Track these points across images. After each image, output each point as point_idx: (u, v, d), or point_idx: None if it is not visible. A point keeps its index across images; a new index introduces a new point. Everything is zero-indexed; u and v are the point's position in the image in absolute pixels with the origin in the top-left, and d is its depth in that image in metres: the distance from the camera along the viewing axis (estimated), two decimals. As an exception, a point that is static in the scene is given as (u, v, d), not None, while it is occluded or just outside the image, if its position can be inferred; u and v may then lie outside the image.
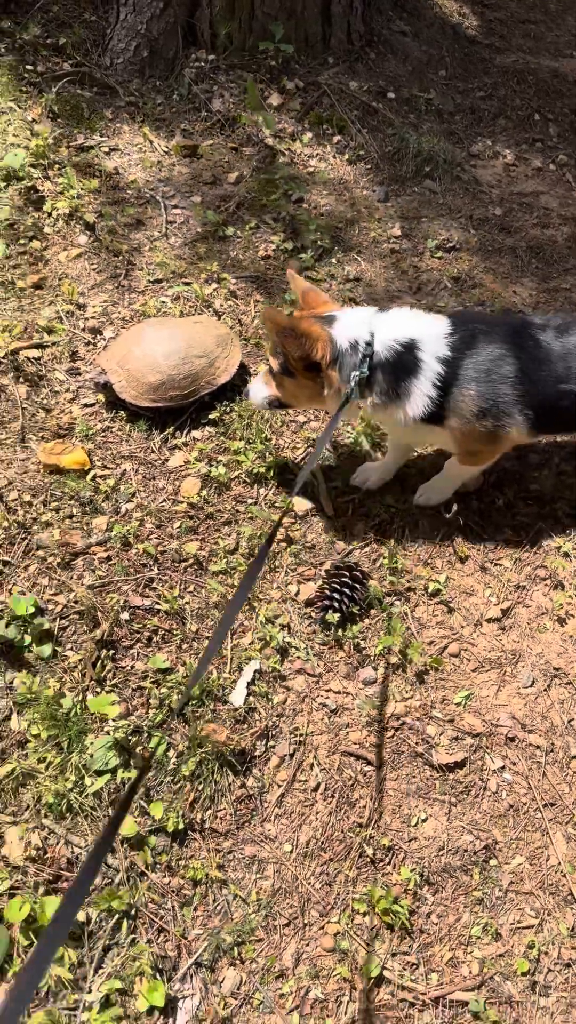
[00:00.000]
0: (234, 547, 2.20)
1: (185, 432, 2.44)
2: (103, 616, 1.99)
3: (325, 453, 2.47)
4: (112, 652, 1.96)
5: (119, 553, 2.13)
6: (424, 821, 1.84)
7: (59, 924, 1.01)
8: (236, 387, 2.50)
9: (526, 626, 2.17)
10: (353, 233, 3.21)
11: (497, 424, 2.04)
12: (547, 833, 1.85)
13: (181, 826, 1.74)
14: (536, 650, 2.13)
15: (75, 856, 1.69)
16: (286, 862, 1.76)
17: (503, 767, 1.93)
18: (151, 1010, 1.55)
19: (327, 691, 2.00)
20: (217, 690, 1.93)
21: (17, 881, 1.64)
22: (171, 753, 1.83)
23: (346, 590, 2.07)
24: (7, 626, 1.90)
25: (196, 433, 2.44)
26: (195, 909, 1.68)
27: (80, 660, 1.93)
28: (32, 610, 1.94)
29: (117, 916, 1.64)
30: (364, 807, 1.84)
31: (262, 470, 2.36)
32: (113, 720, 1.83)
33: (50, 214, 2.97)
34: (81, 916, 1.62)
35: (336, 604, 2.06)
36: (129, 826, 1.71)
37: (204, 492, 2.29)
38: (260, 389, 2.19)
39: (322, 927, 1.69)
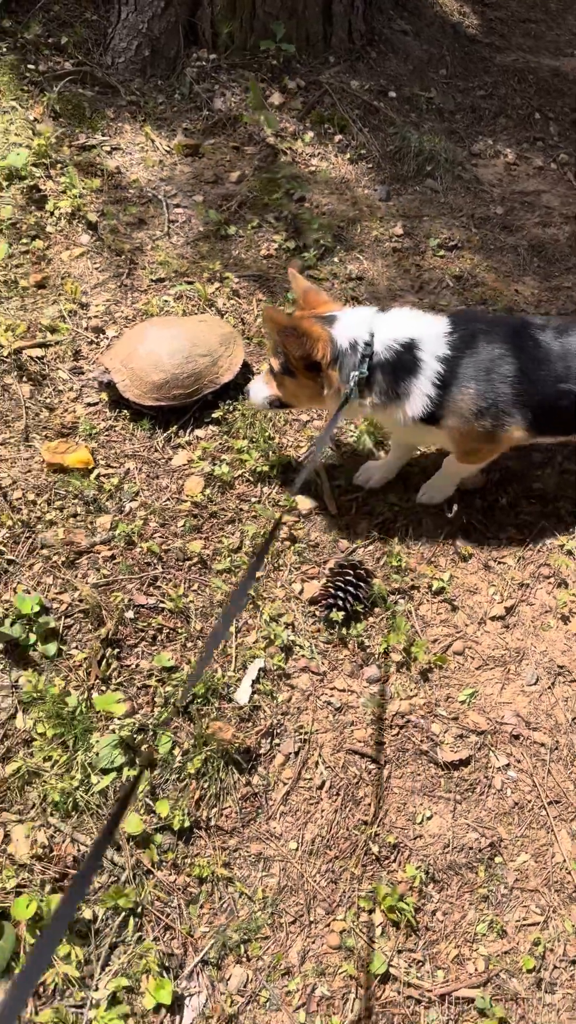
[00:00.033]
0: (238, 546, 2.20)
1: (188, 431, 2.44)
2: (108, 615, 1.99)
3: (328, 452, 2.47)
4: (117, 650, 1.96)
5: (123, 552, 2.13)
6: (429, 819, 1.84)
7: (57, 922, 1.01)
8: (239, 386, 2.50)
9: (530, 624, 2.18)
10: (355, 232, 3.21)
11: (496, 423, 2.05)
12: (552, 830, 1.85)
13: (187, 824, 1.74)
14: (540, 648, 2.13)
15: (81, 854, 1.69)
16: (292, 860, 1.76)
17: (508, 765, 1.93)
18: (158, 1007, 1.55)
19: (332, 689, 2.00)
20: (222, 688, 1.93)
21: (23, 879, 1.64)
22: (177, 751, 1.83)
23: (350, 588, 2.07)
24: (12, 624, 1.91)
25: (199, 432, 2.44)
26: (201, 907, 1.68)
27: (85, 658, 1.93)
28: (37, 609, 1.94)
29: (124, 914, 1.64)
30: (369, 805, 1.85)
31: (265, 469, 2.36)
32: (119, 718, 1.83)
33: (52, 213, 2.97)
34: (88, 914, 1.62)
35: (340, 602, 2.06)
36: (135, 824, 1.71)
37: (208, 491, 2.29)
38: (261, 389, 2.20)
39: (328, 924, 1.69)
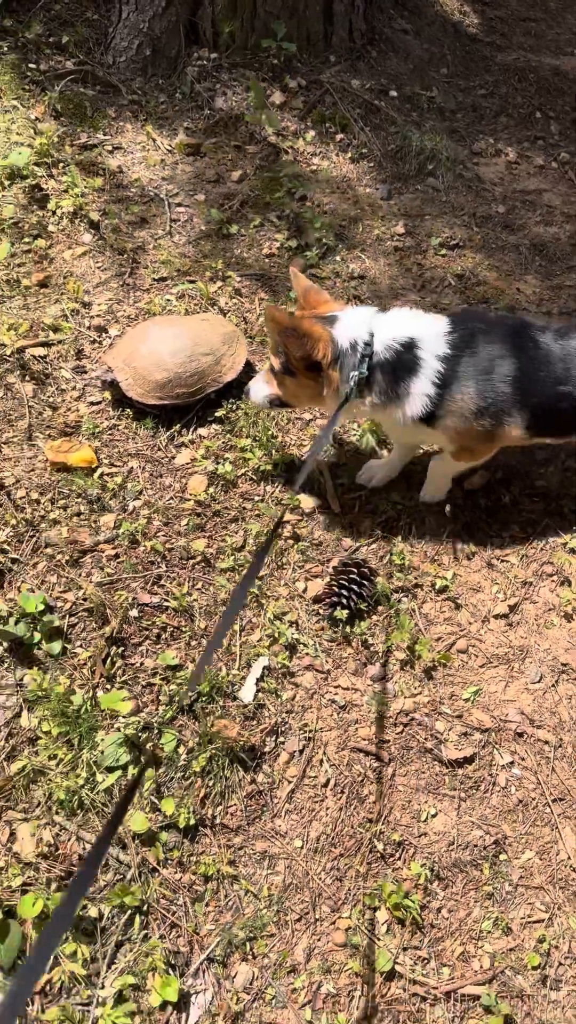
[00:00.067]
0: (241, 544, 2.20)
1: (192, 430, 2.44)
2: (112, 613, 1.99)
3: (330, 450, 2.47)
4: (122, 649, 1.96)
5: (127, 550, 2.14)
6: (434, 816, 1.85)
7: (58, 920, 1.02)
8: (242, 385, 2.50)
9: (533, 622, 2.18)
10: (357, 231, 3.21)
11: (495, 423, 2.05)
12: (556, 828, 1.86)
13: (192, 822, 1.74)
14: (544, 646, 2.13)
15: (86, 852, 1.70)
16: (297, 857, 1.76)
17: (512, 762, 1.94)
18: (164, 1005, 1.55)
19: (336, 687, 2.01)
20: (226, 687, 1.94)
21: (29, 877, 1.64)
22: (181, 749, 1.84)
23: (354, 587, 2.07)
24: (17, 623, 1.91)
25: (203, 431, 2.44)
26: (207, 905, 1.69)
27: (90, 657, 1.93)
28: (41, 607, 1.94)
29: (129, 912, 1.64)
30: (374, 803, 1.85)
31: (269, 467, 2.36)
32: (124, 716, 1.83)
33: (54, 212, 2.98)
34: (94, 912, 1.62)
35: (344, 601, 2.06)
36: (141, 822, 1.71)
37: (211, 489, 2.29)
38: (261, 388, 2.20)
39: (333, 922, 1.70)
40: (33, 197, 3.00)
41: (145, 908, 1.65)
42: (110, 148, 3.34)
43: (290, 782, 1.85)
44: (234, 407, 2.49)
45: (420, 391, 1.99)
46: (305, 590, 2.15)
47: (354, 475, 2.40)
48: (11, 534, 2.11)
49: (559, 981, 1.68)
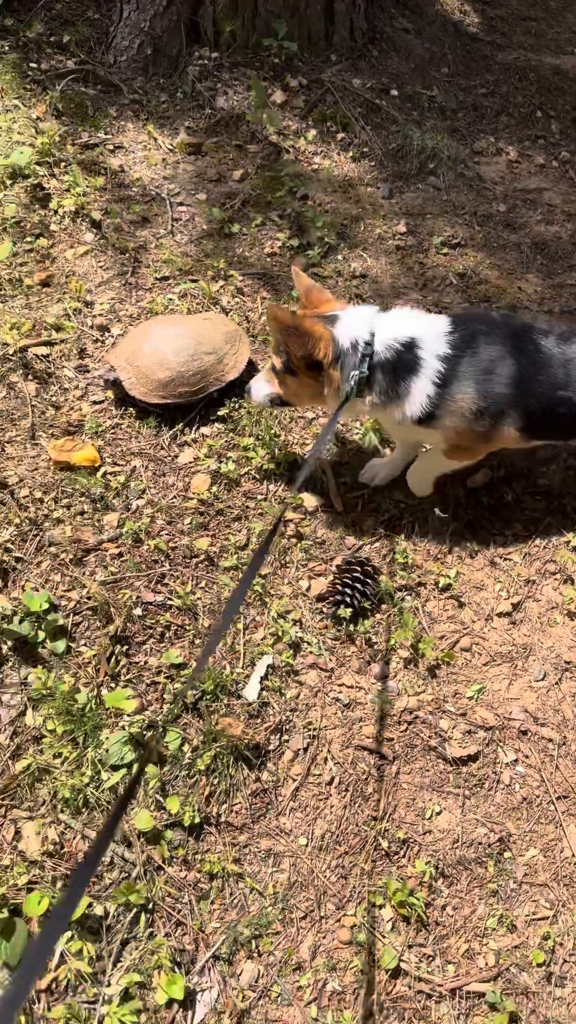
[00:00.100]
0: (245, 543, 2.20)
1: (194, 429, 2.44)
2: (116, 612, 1.99)
3: (332, 449, 2.47)
4: (126, 648, 1.96)
5: (131, 549, 2.14)
6: (438, 814, 1.85)
7: (57, 918, 1.02)
8: (245, 384, 2.50)
9: (536, 620, 2.18)
10: (358, 230, 3.21)
11: (493, 424, 2.05)
12: (560, 825, 1.86)
13: (197, 820, 1.75)
14: (547, 644, 2.13)
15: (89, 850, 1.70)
16: (302, 855, 1.76)
17: (516, 760, 1.94)
18: (170, 1003, 1.55)
19: (340, 686, 2.01)
20: (231, 685, 1.94)
21: (35, 876, 1.65)
22: (186, 747, 1.84)
23: (357, 585, 2.07)
24: (21, 622, 1.91)
25: (205, 430, 2.45)
26: (212, 903, 1.69)
27: (94, 655, 1.94)
28: (46, 606, 1.94)
29: (135, 910, 1.64)
30: (378, 800, 1.85)
31: (272, 466, 2.36)
32: (128, 715, 1.83)
33: (56, 211, 2.98)
34: (99, 910, 1.62)
35: (347, 599, 2.06)
36: (145, 820, 1.71)
37: (214, 488, 2.29)
38: (262, 387, 2.20)
39: (338, 920, 1.70)
40: (35, 196, 3.00)
41: (150, 906, 1.65)
42: (111, 147, 3.34)
43: (294, 780, 1.85)
44: (237, 406, 2.49)
45: (420, 391, 1.99)
46: (308, 588, 2.15)
47: (357, 474, 2.40)
48: (15, 533, 2.11)
49: (564, 978, 1.68)
